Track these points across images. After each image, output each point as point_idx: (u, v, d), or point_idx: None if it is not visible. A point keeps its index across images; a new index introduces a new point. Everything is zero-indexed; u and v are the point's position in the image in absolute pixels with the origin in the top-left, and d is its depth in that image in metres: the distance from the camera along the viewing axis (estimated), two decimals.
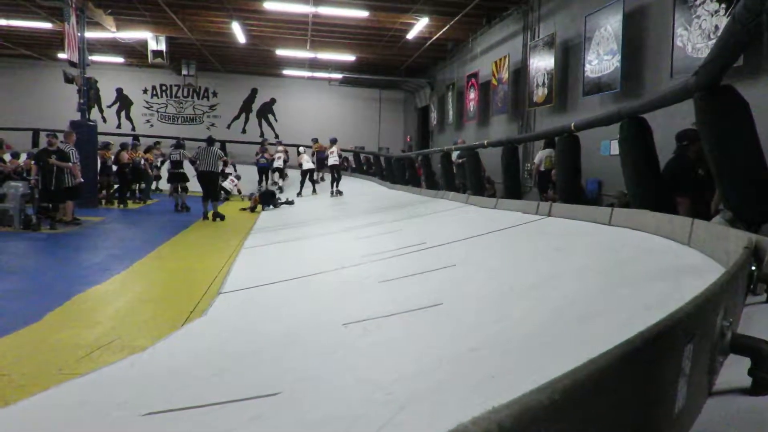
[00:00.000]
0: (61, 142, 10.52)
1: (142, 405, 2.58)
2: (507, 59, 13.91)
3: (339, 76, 22.26)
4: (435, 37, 16.34)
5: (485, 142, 9.02)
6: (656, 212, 3.81)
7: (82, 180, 10.74)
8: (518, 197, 7.66)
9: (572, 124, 5.77)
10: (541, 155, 10.64)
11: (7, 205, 9.60)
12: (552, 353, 1.92)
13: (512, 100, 13.83)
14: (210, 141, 12.52)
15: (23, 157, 11.51)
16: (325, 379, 2.31)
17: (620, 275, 3.01)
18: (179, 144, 15.03)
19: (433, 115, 20.74)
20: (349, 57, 19.47)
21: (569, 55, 11.24)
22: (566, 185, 6.02)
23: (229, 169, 16.65)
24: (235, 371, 3.07)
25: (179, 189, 13.86)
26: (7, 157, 11.46)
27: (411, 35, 15.98)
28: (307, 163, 16.25)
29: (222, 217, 11.90)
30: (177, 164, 14.22)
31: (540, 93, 12.02)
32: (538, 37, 12.46)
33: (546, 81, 11.77)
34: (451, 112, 18.46)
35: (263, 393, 2.29)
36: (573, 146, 5.88)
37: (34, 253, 8.31)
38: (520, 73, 13.40)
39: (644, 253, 3.36)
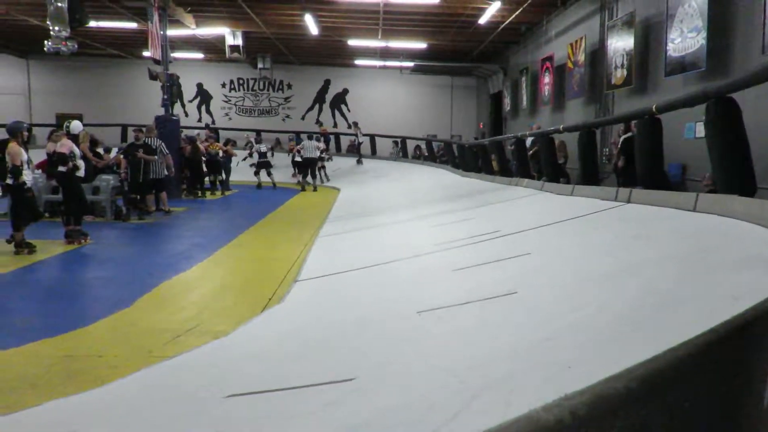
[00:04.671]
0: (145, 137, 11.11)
1: (225, 387, 2.70)
2: (583, 41, 13.45)
3: (410, 64, 22.19)
4: (508, 21, 16.00)
5: (561, 127, 8.78)
6: (745, 197, 3.61)
7: (173, 171, 11.38)
8: (596, 183, 7.42)
9: (653, 106, 5.53)
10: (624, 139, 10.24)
11: (100, 197, 10.19)
12: (631, 343, 1.86)
13: (589, 83, 13.38)
14: (309, 136, 17.18)
15: (114, 151, 12.16)
16: (400, 366, 2.33)
17: (705, 263, 2.87)
18: (259, 138, 18.03)
19: (506, 101, 20.36)
20: (420, 45, 19.37)
21: (650, 33, 10.75)
22: (647, 170, 5.79)
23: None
24: (311, 357, 3.15)
25: (268, 173, 16.84)
26: (102, 151, 12.10)
27: (483, 20, 15.71)
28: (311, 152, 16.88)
29: (315, 189, 16.41)
30: (263, 154, 16.90)
31: (618, 75, 11.58)
32: (616, 16, 11.98)
33: (625, 62, 11.31)
34: (524, 98, 18.07)
35: (338, 378, 2.35)
36: (654, 129, 5.64)
37: (124, 242, 8.79)
38: (597, 54, 12.94)
39: (731, 240, 3.19)
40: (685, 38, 9.13)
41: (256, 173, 17.05)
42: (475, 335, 2.65)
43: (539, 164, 10.09)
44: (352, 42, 19.06)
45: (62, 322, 4.54)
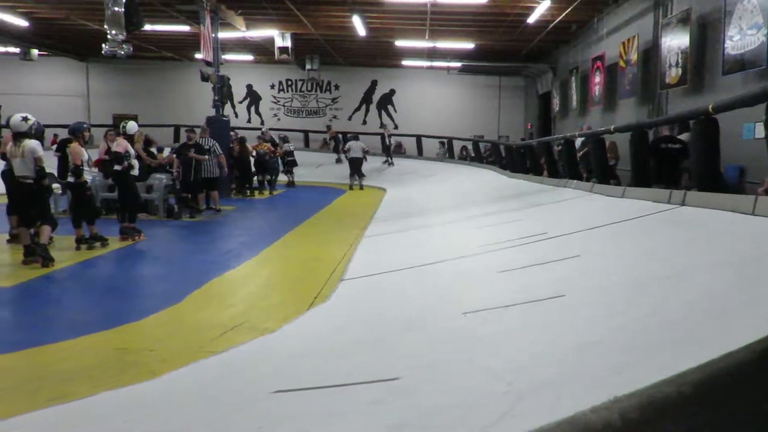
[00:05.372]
0: (200, 137, 11.43)
1: (271, 383, 2.74)
2: (636, 39, 13.12)
3: (458, 64, 22.06)
4: (557, 20, 15.74)
5: (611, 127, 8.59)
6: None
7: (227, 171, 11.68)
8: (648, 185, 7.23)
9: (710, 106, 5.35)
10: None
11: (153, 195, 10.48)
12: (684, 349, 1.81)
13: (641, 83, 13.03)
14: (355, 136, 17.91)
15: (166, 151, 12.48)
16: (444, 367, 2.32)
17: (763, 269, 2.76)
18: (286, 138, 18.46)
19: (555, 101, 20.03)
20: (468, 45, 19.24)
21: (706, 31, 10.41)
22: (703, 172, 5.60)
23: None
24: (355, 355, 3.17)
25: (292, 171, 17.66)
26: (155, 151, 12.43)
27: (532, 19, 15.49)
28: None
29: (361, 187, 16.78)
30: (290, 153, 17.65)
31: (673, 74, 11.24)
32: (671, 13, 11.63)
33: (680, 61, 10.98)
34: (574, 97, 17.73)
35: (383, 378, 2.35)
36: (711, 130, 5.45)
37: (175, 239, 9.03)
38: (651, 53, 12.59)
39: None
40: (744, 35, 8.80)
41: (285, 172, 17.57)
42: (520, 337, 2.62)
43: (589, 166, 9.88)
44: (400, 43, 19.08)
45: (116, 315, 4.70)
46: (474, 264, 5.08)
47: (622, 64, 13.94)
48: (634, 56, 13.24)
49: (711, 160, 5.55)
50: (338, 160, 20.79)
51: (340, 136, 21.65)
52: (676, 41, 11.11)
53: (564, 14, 15.16)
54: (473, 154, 20.39)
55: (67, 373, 3.50)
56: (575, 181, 8.93)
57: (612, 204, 6.21)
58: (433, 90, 24.35)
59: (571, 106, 18.17)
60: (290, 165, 17.64)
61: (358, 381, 2.32)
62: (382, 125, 22.04)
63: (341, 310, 4.49)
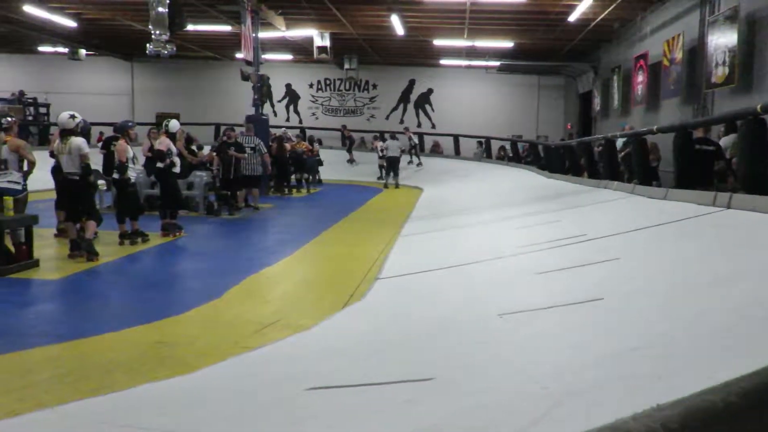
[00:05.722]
0: (242, 134, 11.60)
1: (306, 380, 2.76)
2: (681, 37, 12.79)
3: (496, 63, 21.85)
4: (600, 18, 15.45)
5: (654, 127, 8.39)
6: None
7: (270, 169, 11.84)
8: (692, 187, 7.03)
9: (758, 106, 5.18)
10: (726, 141, 9.63)
11: (194, 192, 10.67)
12: (730, 357, 1.75)
13: (686, 82, 12.70)
14: (393, 135, 17.95)
15: (206, 149, 12.69)
16: (479, 369, 2.30)
17: None
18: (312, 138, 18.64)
19: (596, 101, 19.67)
20: (507, 44, 19.04)
21: (756, 29, 10.08)
22: (750, 173, 5.43)
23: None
24: (390, 354, 3.17)
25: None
26: (196, 149, 12.65)
27: (573, 17, 15.24)
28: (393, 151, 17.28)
29: (397, 186, 17.04)
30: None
31: (719, 73, 10.92)
32: (718, 11, 11.30)
33: (727, 59, 10.66)
34: (616, 97, 17.38)
35: (417, 378, 2.34)
36: (759, 130, 5.28)
37: (215, 236, 9.18)
38: (696, 51, 12.26)
39: None
40: None
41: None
42: (558, 341, 2.57)
43: (630, 167, 9.67)
44: (438, 42, 19.00)
45: (156, 309, 4.80)
46: (510, 265, 5.03)
47: (666, 62, 13.61)
48: (678, 55, 12.91)
49: (759, 162, 5.38)
50: (350, 161, 21.17)
51: (353, 136, 21.79)
52: (723, 39, 10.79)
53: (606, 12, 14.87)
54: (511, 155, 20.18)
55: (108, 364, 3.59)
56: (616, 182, 8.76)
57: (654, 206, 6.07)
58: (471, 89, 24.18)
59: (612, 106, 17.83)
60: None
61: (392, 380, 2.31)
62: (405, 128, 21.87)
63: (376, 309, 4.49)
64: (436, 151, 22.69)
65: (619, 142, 11.13)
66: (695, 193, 5.89)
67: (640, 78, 15.33)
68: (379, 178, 18.49)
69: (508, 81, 23.85)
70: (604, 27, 16.53)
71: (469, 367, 2.35)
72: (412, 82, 24.72)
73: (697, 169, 7.56)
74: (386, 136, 18.74)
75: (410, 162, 19.97)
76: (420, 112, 24.83)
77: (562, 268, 4.26)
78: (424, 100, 24.82)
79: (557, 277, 4.08)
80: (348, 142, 21.68)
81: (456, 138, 21.67)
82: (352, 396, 2.32)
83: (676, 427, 0.42)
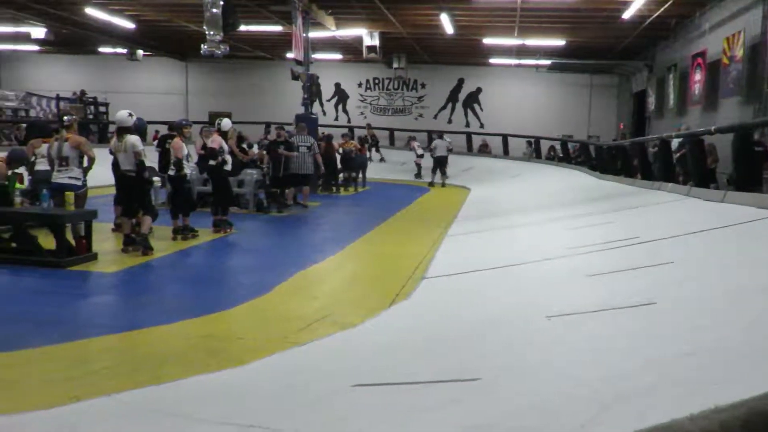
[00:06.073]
0: (295, 134, 11.75)
1: (352, 376, 2.79)
2: (742, 34, 12.30)
3: (547, 62, 21.49)
4: (655, 15, 15.02)
5: (712, 128, 8.11)
6: None
7: (322, 168, 12.00)
8: (752, 190, 6.78)
9: None
10: None
11: (244, 189, 10.88)
12: None
13: (747, 81, 12.20)
14: (440, 135, 17.78)
15: (255, 147, 12.90)
16: (526, 370, 2.28)
17: None
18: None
19: (651, 100, 19.14)
20: (558, 42, 18.71)
21: None
22: None
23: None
24: (436, 353, 3.17)
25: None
26: (246, 147, 12.89)
27: (628, 14, 14.86)
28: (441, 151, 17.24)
29: (443, 185, 16.93)
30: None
31: None
32: None
33: None
34: (671, 96, 16.87)
35: (463, 377, 2.34)
36: None
37: (264, 233, 9.33)
38: (758, 49, 11.78)
39: None
40: None
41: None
42: (607, 344, 2.53)
43: (686, 168, 9.39)
44: (487, 40, 18.83)
45: (208, 304, 4.92)
46: (559, 267, 4.95)
47: (725, 60, 13.13)
48: (739, 52, 12.44)
49: None
50: (380, 159, 21.27)
51: (376, 135, 21.82)
52: None
53: (663, 9, 14.45)
54: (561, 155, 19.85)
55: (161, 356, 3.71)
56: (671, 184, 8.52)
57: (711, 209, 5.87)
58: (521, 88, 23.87)
59: (667, 106, 17.31)
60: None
61: (438, 379, 2.32)
62: (411, 138, 21.55)
63: (423, 308, 4.50)
64: (485, 150, 22.49)
65: (675, 143, 10.81)
66: (755, 195, 5.68)
67: (698, 76, 14.84)
68: (416, 176, 18.65)
69: (558, 80, 23.45)
70: (660, 24, 16.05)
71: (516, 368, 2.33)
72: (460, 81, 24.57)
73: (753, 171, 7.32)
74: (434, 135, 18.73)
75: (370, 159, 19.87)
76: (468, 111, 24.66)
77: (612, 270, 4.18)
78: (473, 99, 24.63)
79: (607, 280, 4.00)
80: (371, 140, 21.68)
81: (505, 138, 21.43)
82: (398, 393, 2.33)
83: (736, 429, 0.41)
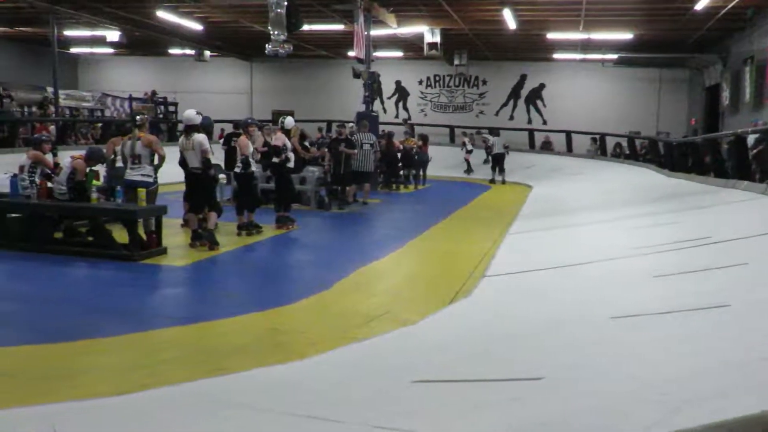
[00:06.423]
0: (356, 132, 11.87)
1: (411, 372, 2.80)
2: None
3: (614, 56, 20.86)
4: (730, 5, 14.35)
5: None
6: None
7: (380, 165, 12.07)
8: None
9: None
10: None
11: (306, 186, 11.05)
12: None
13: None
14: (497, 132, 17.86)
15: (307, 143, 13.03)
16: (590, 371, 2.24)
17: None
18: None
19: (725, 95, 18.30)
20: (626, 35, 18.13)
21: None
22: None
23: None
24: (496, 352, 3.15)
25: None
26: (308, 144, 13.07)
27: (700, 5, 14.24)
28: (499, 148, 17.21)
29: (503, 182, 16.98)
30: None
31: None
32: None
33: None
34: (747, 90, 16.10)
35: (525, 376, 2.31)
36: None
37: (325, 229, 9.47)
38: None
39: None
40: None
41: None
42: (677, 347, 2.44)
43: (763, 165, 8.94)
44: (551, 35, 18.44)
45: (271, 298, 5.05)
46: (624, 267, 4.82)
47: None
48: None
49: None
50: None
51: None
52: None
53: None
54: (628, 152, 19.26)
55: (226, 347, 3.83)
56: (746, 182, 8.14)
57: None
58: (586, 84, 23.27)
59: (743, 100, 16.53)
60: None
61: (500, 377, 2.30)
62: (465, 134, 21.14)
63: (483, 306, 4.46)
64: (548, 148, 22.06)
65: (751, 139, 10.31)
66: None
67: None
68: (465, 172, 18.85)
69: (626, 74, 22.72)
70: (736, 15, 15.32)
71: (580, 368, 2.29)
72: (523, 77, 24.17)
73: None
74: (491, 133, 18.64)
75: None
76: (530, 107, 24.24)
77: (682, 271, 4.03)
78: (536, 95, 24.19)
79: (676, 281, 3.86)
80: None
81: (568, 134, 20.96)
82: (459, 390, 2.33)
83: None
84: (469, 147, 19.25)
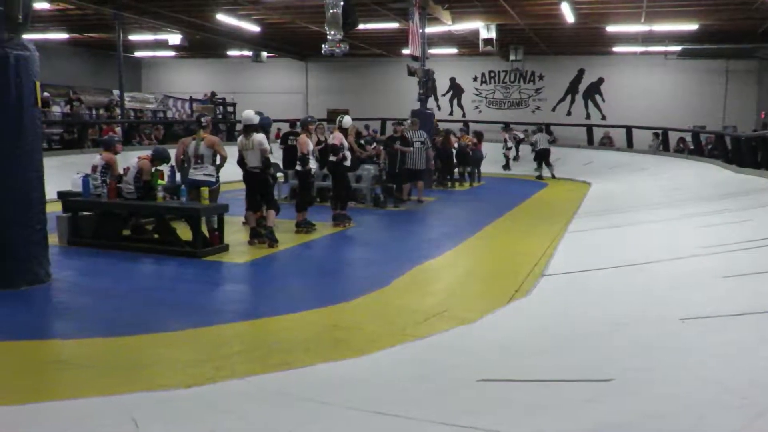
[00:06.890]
0: (409, 130, 11.86)
1: (475, 371, 2.79)
2: None
3: (677, 48, 20.12)
4: None
5: None
6: None
7: (433, 164, 12.03)
8: None
9: None
10: None
11: (362, 185, 11.12)
12: None
13: None
14: (540, 128, 18.18)
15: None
16: (661, 373, 2.18)
17: None
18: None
19: None
20: (690, 26, 17.47)
21: None
22: None
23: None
24: (558, 352, 3.10)
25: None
26: (363, 143, 13.15)
27: None
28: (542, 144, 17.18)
29: (553, 176, 17.03)
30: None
31: None
32: None
33: None
34: None
35: (591, 378, 2.27)
36: None
37: (382, 227, 9.50)
38: None
39: None
40: None
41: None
42: (755, 349, 2.35)
43: None
44: (611, 28, 17.95)
45: (330, 294, 5.11)
46: (692, 267, 4.66)
47: None
48: None
49: None
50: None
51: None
52: None
53: None
54: (692, 147, 18.58)
55: (288, 343, 3.90)
56: None
57: None
58: (647, 77, 22.53)
59: None
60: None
61: (567, 378, 2.27)
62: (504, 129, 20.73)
63: (543, 305, 4.40)
64: (607, 143, 21.50)
65: None
66: None
67: None
68: (503, 167, 18.79)
69: (689, 67, 21.90)
70: None
71: (651, 370, 2.23)
72: (581, 72, 23.61)
73: None
74: (534, 129, 18.50)
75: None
76: (589, 102, 23.68)
77: (756, 271, 3.87)
78: (594, 89, 23.59)
79: (751, 282, 3.71)
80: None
81: (629, 129, 20.34)
82: (524, 390, 2.31)
83: None
84: (510, 143, 19.19)
